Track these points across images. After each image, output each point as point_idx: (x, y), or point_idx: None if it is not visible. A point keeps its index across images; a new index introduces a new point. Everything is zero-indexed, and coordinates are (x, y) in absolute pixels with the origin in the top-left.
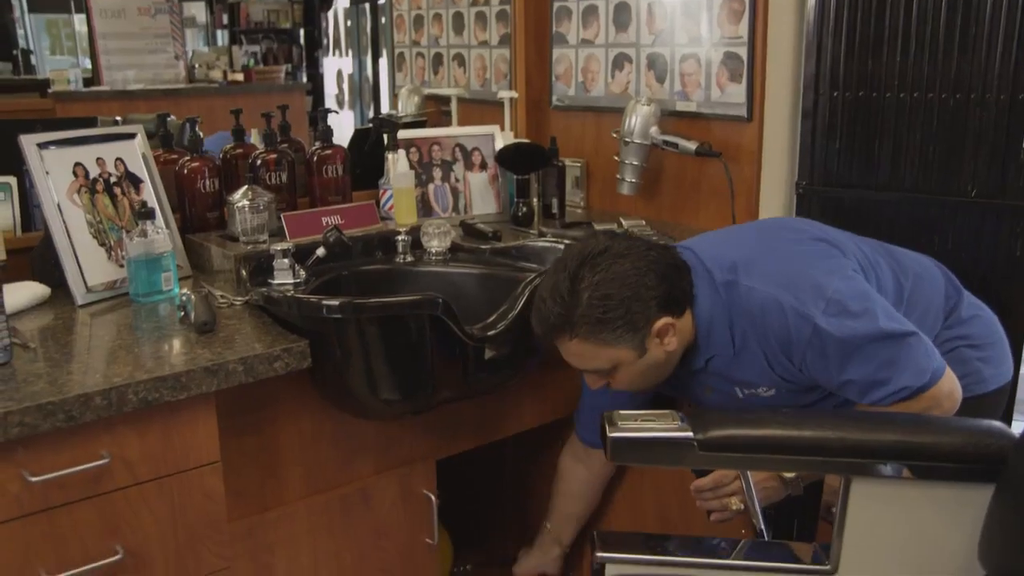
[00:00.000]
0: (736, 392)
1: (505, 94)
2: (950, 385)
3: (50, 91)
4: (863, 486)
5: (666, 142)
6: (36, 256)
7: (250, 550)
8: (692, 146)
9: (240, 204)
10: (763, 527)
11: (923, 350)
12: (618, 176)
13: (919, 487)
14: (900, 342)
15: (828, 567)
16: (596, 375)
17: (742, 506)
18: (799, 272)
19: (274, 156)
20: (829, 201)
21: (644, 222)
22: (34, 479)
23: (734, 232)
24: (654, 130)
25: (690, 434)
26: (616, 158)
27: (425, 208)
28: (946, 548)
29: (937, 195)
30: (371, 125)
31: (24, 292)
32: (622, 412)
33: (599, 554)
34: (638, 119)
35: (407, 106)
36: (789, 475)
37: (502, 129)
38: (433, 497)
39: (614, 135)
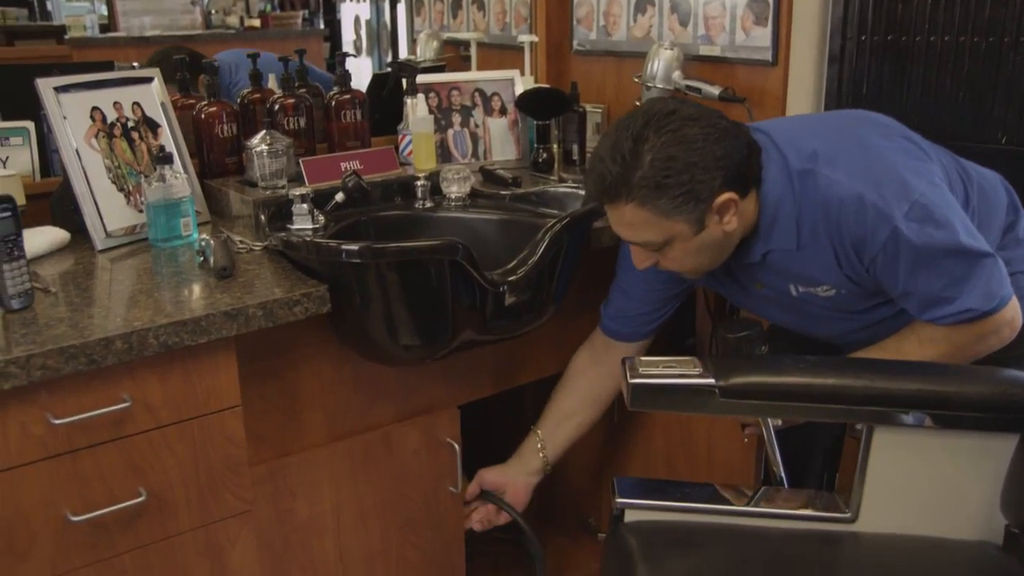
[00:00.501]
0: (790, 289)
1: (525, 38)
2: (1013, 313)
3: (66, 37)
4: (885, 435)
5: (689, 87)
6: (55, 201)
7: (271, 494)
8: (715, 91)
9: (258, 149)
10: (783, 475)
11: (996, 274)
12: None
13: (942, 436)
14: (976, 262)
15: (848, 515)
16: (646, 252)
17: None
18: (886, 169)
19: (292, 101)
20: None
21: None
22: (57, 421)
23: (814, 120)
24: (677, 75)
25: (711, 381)
26: (637, 103)
27: (444, 154)
28: (968, 498)
29: (967, 142)
30: (389, 70)
31: (44, 237)
32: (643, 358)
33: (619, 500)
34: (660, 63)
35: (425, 51)
36: None
37: (522, 74)
38: (456, 445)
39: (636, 80)
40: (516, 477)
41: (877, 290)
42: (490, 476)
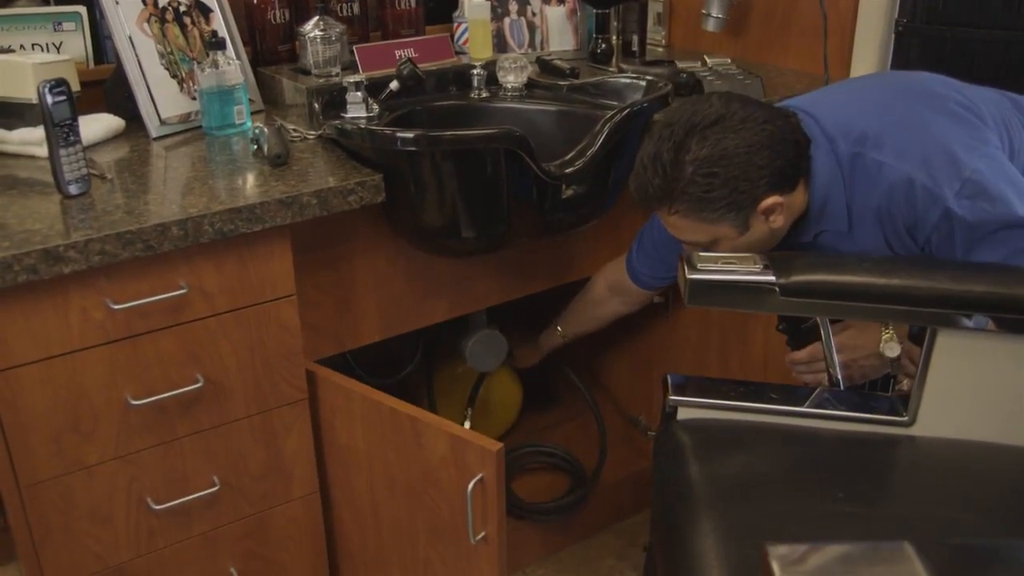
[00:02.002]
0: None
1: None
2: None
3: None
4: (949, 338)
5: None
6: (109, 88)
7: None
8: None
9: (312, 35)
10: (840, 377)
11: None
12: (703, 11)
13: (1007, 341)
14: None
15: (906, 419)
16: (694, 246)
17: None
18: (936, 147)
19: None
20: (931, 41)
21: (730, 60)
22: (116, 307)
23: (862, 91)
24: None
25: (772, 278)
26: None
27: (500, 43)
28: None
29: None
30: None
31: (99, 124)
32: (702, 254)
33: (672, 397)
34: None
35: None
36: (892, 355)
37: None
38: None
39: None
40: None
41: None
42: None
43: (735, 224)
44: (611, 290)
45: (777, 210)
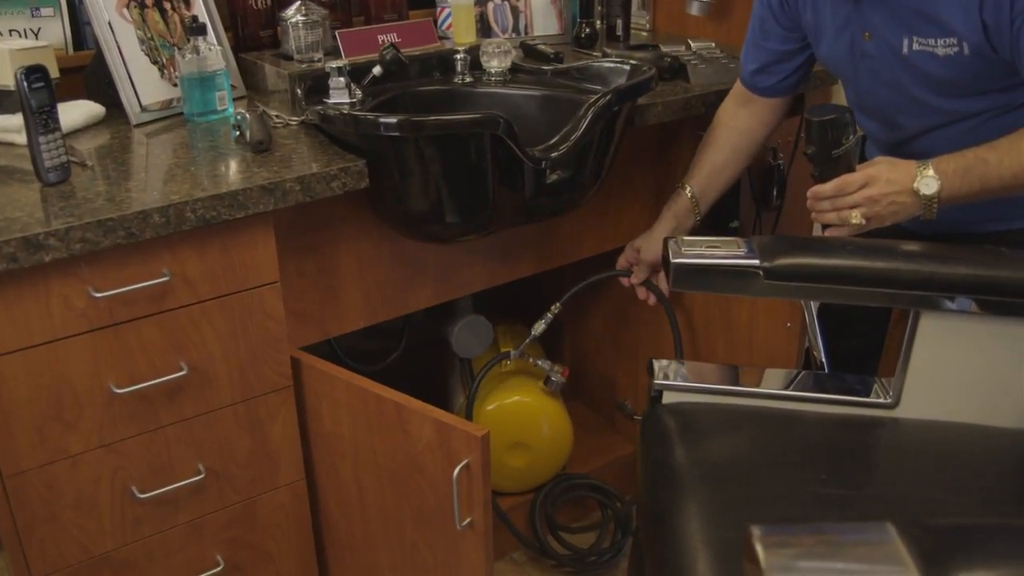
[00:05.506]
0: (903, 45)
1: None
2: None
3: None
4: (931, 321)
5: None
6: (89, 74)
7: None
8: None
9: (294, 20)
10: (823, 359)
11: None
12: None
13: (989, 323)
14: None
15: (889, 401)
16: None
17: (863, 221)
18: None
19: None
20: None
21: (714, 44)
22: (98, 295)
23: None
24: None
25: (756, 261)
26: None
27: (484, 28)
28: (1012, 385)
29: None
30: None
31: (79, 111)
32: (686, 238)
33: (657, 382)
34: None
35: None
36: (928, 192)
37: None
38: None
39: None
40: (677, 231)
41: (1005, 63)
42: (648, 254)
43: None
44: (737, 102)
45: None
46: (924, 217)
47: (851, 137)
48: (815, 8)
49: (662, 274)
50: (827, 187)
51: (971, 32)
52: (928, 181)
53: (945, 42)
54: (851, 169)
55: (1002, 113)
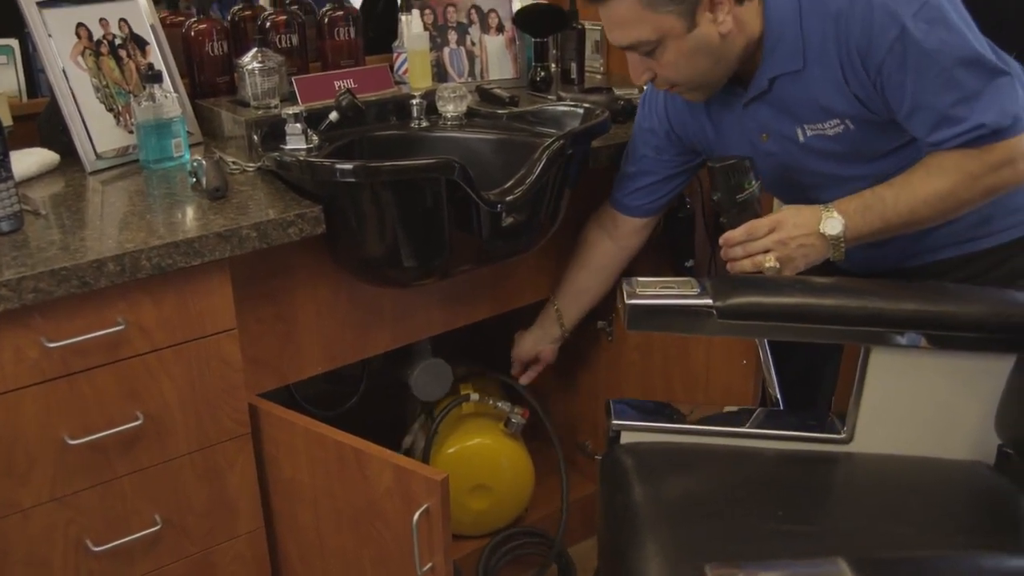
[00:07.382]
0: (797, 134)
1: None
2: None
3: None
4: (882, 356)
5: None
6: (43, 122)
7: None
8: None
9: (250, 67)
10: (779, 396)
11: (1012, 94)
12: None
13: (939, 357)
14: (991, 76)
15: (844, 436)
16: (642, 60)
17: (777, 265)
18: None
19: (284, 18)
20: None
21: None
22: (52, 345)
23: None
24: None
25: (709, 301)
26: None
27: (440, 73)
28: (962, 418)
29: None
30: None
31: (32, 159)
32: (641, 279)
33: (615, 421)
34: None
35: None
36: (833, 232)
37: None
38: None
39: None
40: (543, 344)
41: (887, 120)
42: (524, 349)
43: (680, 13)
44: (601, 229)
45: (725, 7)
46: (833, 258)
47: (753, 182)
48: (716, 125)
49: (531, 370)
50: (737, 232)
51: (849, 107)
52: (833, 222)
53: (832, 123)
54: (757, 215)
55: (911, 163)
